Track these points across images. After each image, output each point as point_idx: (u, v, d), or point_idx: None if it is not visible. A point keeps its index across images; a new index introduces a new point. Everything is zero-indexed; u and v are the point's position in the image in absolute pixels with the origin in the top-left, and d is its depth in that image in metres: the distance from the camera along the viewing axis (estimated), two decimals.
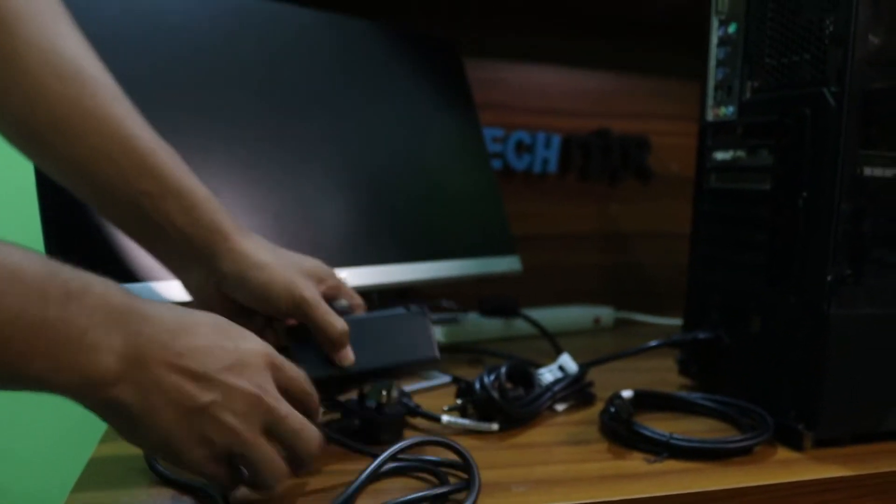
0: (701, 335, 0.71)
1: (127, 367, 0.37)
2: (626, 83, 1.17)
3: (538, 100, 1.12)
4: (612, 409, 0.60)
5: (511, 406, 0.62)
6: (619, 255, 1.21)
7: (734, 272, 0.69)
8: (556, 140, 1.12)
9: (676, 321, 0.77)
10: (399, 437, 0.59)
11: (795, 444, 0.60)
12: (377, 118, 0.82)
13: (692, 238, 0.75)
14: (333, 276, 0.63)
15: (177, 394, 0.39)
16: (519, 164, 1.11)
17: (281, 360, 0.45)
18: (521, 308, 0.98)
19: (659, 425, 0.60)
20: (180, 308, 0.42)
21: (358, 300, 0.65)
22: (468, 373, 0.77)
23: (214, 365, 0.40)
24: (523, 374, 0.66)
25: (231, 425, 0.40)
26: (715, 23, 0.72)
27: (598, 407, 0.66)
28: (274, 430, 0.43)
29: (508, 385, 0.65)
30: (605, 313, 1.08)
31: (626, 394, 0.64)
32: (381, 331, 0.65)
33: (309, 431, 0.45)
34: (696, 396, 0.69)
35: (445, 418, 0.62)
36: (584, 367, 0.71)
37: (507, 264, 0.88)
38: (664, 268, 1.19)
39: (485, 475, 0.51)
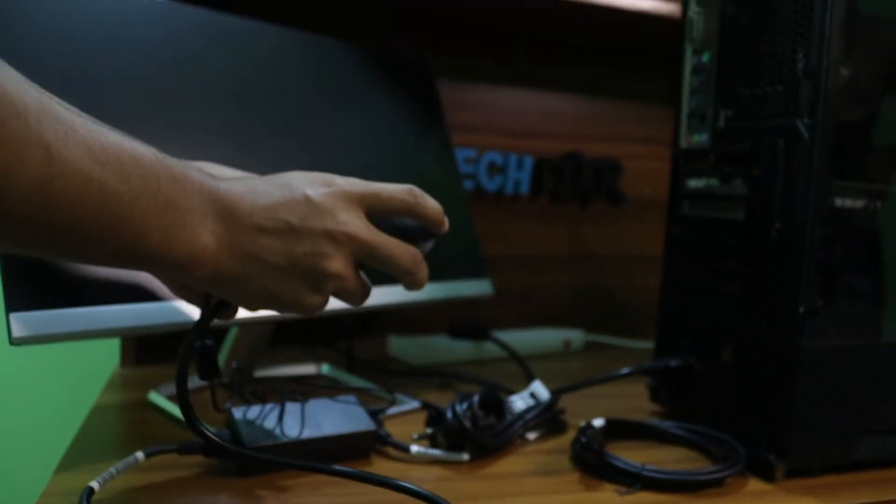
0: (672, 363, 0.71)
1: (223, 241, 0.41)
2: (599, 107, 1.18)
3: (511, 121, 1.12)
4: (584, 440, 0.59)
5: (483, 436, 0.61)
6: (591, 277, 1.20)
7: (706, 300, 0.69)
8: (528, 162, 1.12)
9: (647, 345, 0.77)
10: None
11: (767, 475, 0.60)
12: (348, 137, 0.80)
13: (665, 264, 0.75)
14: None
15: (270, 255, 0.42)
16: (491, 185, 1.11)
17: (368, 188, 0.46)
18: (491, 330, 0.97)
19: (631, 454, 0.60)
20: (244, 177, 0.46)
21: None
22: (438, 398, 0.76)
23: (295, 217, 0.43)
24: (495, 402, 0.65)
25: (328, 268, 0.44)
26: (689, 51, 0.72)
27: (570, 435, 0.65)
28: (371, 261, 0.46)
29: (480, 413, 0.64)
30: (575, 336, 1.07)
31: (598, 423, 0.63)
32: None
33: (404, 255, 0.47)
34: (667, 425, 0.68)
35: (415, 448, 0.60)
36: (555, 395, 0.70)
37: (477, 288, 0.87)
38: (635, 291, 1.20)
39: None
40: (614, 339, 1.12)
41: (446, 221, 0.50)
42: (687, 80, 0.72)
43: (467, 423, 0.60)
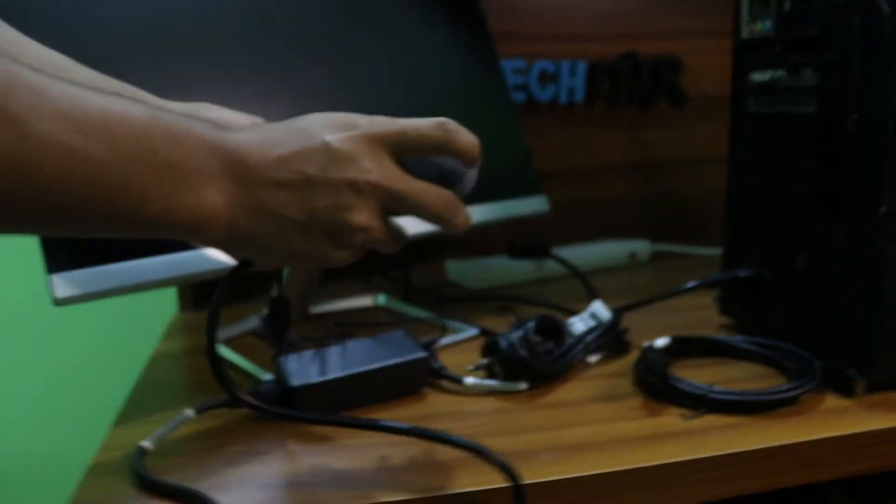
0: (741, 273, 0.66)
1: (234, 199, 0.38)
2: (654, 2, 1.09)
3: (561, 26, 1.05)
4: (646, 363, 0.56)
5: (540, 363, 0.59)
6: (655, 183, 1.14)
7: (777, 204, 0.63)
8: (582, 67, 1.05)
9: (717, 251, 0.72)
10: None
11: (846, 390, 0.56)
12: (387, 59, 0.76)
13: (729, 167, 0.70)
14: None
15: (288, 210, 0.39)
16: (543, 95, 1.05)
17: (396, 125, 0.42)
18: (552, 247, 0.94)
19: (698, 373, 0.57)
20: (255, 124, 0.44)
21: None
22: (497, 323, 0.74)
23: (312, 168, 0.39)
24: (553, 326, 0.63)
25: (352, 221, 0.40)
26: None
27: (634, 355, 0.62)
28: (399, 209, 0.43)
29: (537, 338, 0.61)
30: (641, 247, 1.03)
31: (661, 342, 0.60)
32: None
33: (435, 200, 0.43)
34: (737, 340, 0.64)
35: (469, 380, 0.59)
36: (617, 314, 0.67)
37: (533, 205, 0.83)
38: (703, 195, 1.13)
39: (511, 442, 0.49)
40: (683, 248, 1.07)
41: (480, 155, 0.46)
42: None
43: (523, 352, 0.58)
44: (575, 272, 0.88)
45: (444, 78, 0.81)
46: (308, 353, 0.56)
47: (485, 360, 0.61)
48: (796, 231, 0.61)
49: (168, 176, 0.36)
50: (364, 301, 0.84)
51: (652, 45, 1.09)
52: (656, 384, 0.56)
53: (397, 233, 0.45)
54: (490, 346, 0.61)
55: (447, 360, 0.63)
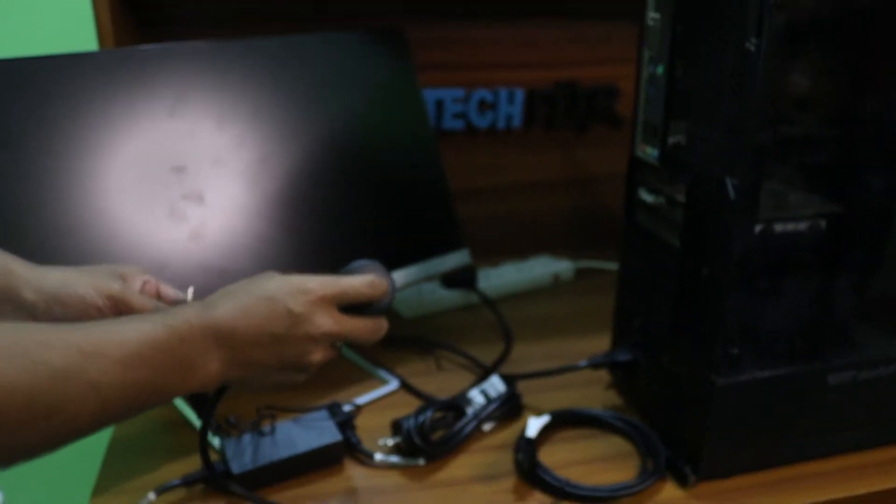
0: (620, 357, 0.77)
1: (225, 362, 0.52)
2: (591, 29, 1.13)
3: (498, 54, 1.10)
4: (519, 456, 0.68)
5: (433, 449, 0.70)
6: (587, 198, 1.23)
7: (651, 307, 0.73)
8: (519, 95, 1.11)
9: None
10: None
11: (682, 480, 0.68)
12: (310, 94, 0.83)
13: (621, 260, 0.79)
14: (139, 271, 0.64)
15: (264, 360, 0.54)
16: (482, 121, 1.11)
17: (333, 288, 0.57)
18: (487, 261, 1.06)
19: (570, 447, 0.71)
20: (231, 293, 0.54)
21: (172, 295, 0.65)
22: (418, 369, 0.86)
23: (281, 329, 0.54)
24: (452, 406, 0.74)
25: (311, 360, 0.56)
26: (646, 56, 0.71)
27: (526, 419, 0.75)
28: (345, 343, 0.60)
29: (439, 415, 0.73)
30: (565, 268, 1.13)
31: (535, 428, 0.72)
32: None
33: (369, 334, 0.59)
34: (610, 416, 0.76)
35: (378, 456, 0.71)
36: (511, 387, 0.78)
37: (456, 260, 0.92)
38: None
39: None
40: (606, 264, 1.17)
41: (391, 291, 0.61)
42: (643, 87, 0.71)
43: (417, 440, 0.69)
44: (494, 311, 0.98)
45: (374, 140, 0.88)
46: (245, 439, 0.67)
47: (391, 440, 0.72)
48: (662, 332, 0.72)
49: (184, 366, 0.50)
50: None
51: (589, 71, 1.14)
52: (526, 473, 0.68)
53: (339, 349, 0.60)
54: (396, 427, 0.72)
55: (368, 419, 0.76)
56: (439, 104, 1.09)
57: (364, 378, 0.86)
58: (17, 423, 0.41)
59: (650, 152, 0.71)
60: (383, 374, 0.86)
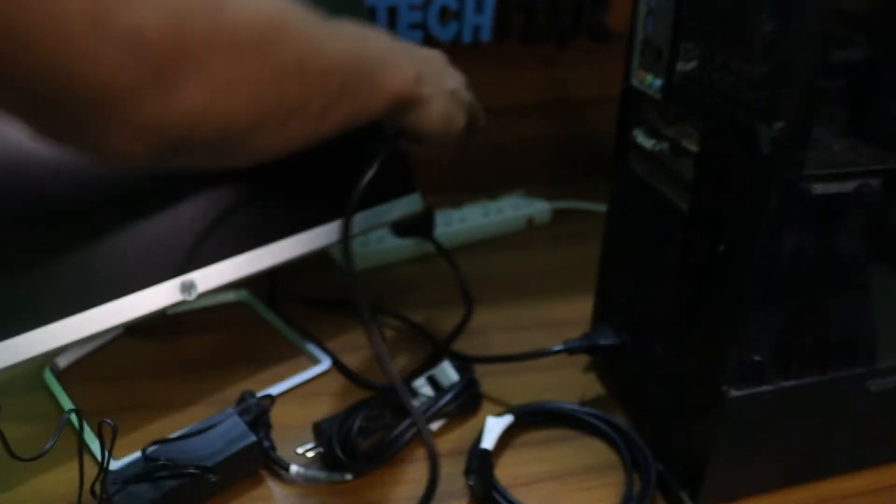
0: (602, 341, 0.62)
1: (417, 76, 0.52)
2: None
3: None
4: (470, 482, 0.54)
5: (362, 462, 0.55)
6: (571, 125, 1.05)
7: (644, 285, 0.57)
8: (489, 1, 0.91)
9: None
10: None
11: (674, 502, 0.54)
12: None
13: (608, 215, 0.63)
14: None
15: (442, 86, 0.55)
16: (444, 34, 0.92)
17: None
18: (446, 203, 0.90)
19: (536, 455, 0.58)
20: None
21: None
22: (356, 342, 0.70)
23: (440, 62, 0.59)
24: (390, 401, 0.59)
25: (468, 98, 0.60)
26: None
27: (485, 413, 0.60)
28: (470, 104, 0.61)
29: (374, 412, 0.58)
30: (540, 210, 0.96)
31: (497, 429, 0.57)
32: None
33: (481, 115, 0.64)
34: (586, 413, 0.61)
35: (294, 469, 0.56)
36: (468, 376, 0.63)
37: (406, 206, 0.75)
38: None
39: None
40: (587, 204, 1.00)
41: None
42: None
43: (339, 453, 0.54)
44: (453, 266, 0.82)
45: None
46: (134, 465, 0.52)
47: (310, 446, 0.57)
48: (659, 319, 0.56)
49: (386, 62, 0.50)
50: (227, 297, 0.78)
51: None
52: (481, 499, 0.54)
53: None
54: (318, 431, 0.57)
55: (289, 411, 0.61)
56: (392, 12, 0.89)
57: (288, 355, 0.70)
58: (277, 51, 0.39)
59: (651, 82, 0.54)
60: (312, 349, 0.70)
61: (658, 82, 0.53)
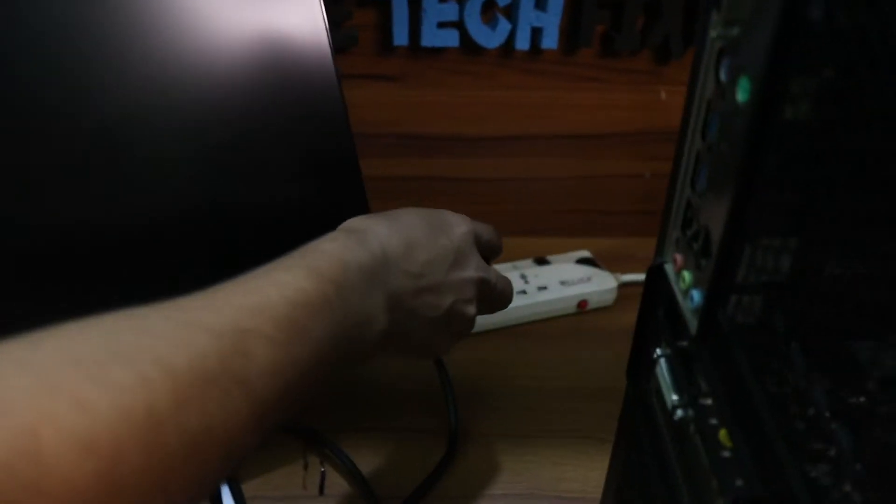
0: None
1: (390, 315, 0.39)
2: None
3: None
4: None
5: None
6: (664, 163, 0.77)
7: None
8: None
9: None
10: None
11: None
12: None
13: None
14: None
15: (425, 310, 0.42)
16: (489, 38, 0.66)
17: (475, 225, 0.45)
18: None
19: None
20: (391, 219, 0.42)
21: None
22: (282, 484, 0.50)
23: (442, 270, 0.42)
24: None
25: (468, 314, 0.44)
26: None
27: None
28: (486, 297, 0.46)
29: None
30: (598, 290, 0.70)
31: None
32: None
33: (508, 289, 0.48)
34: None
35: None
36: None
37: None
38: None
39: None
40: None
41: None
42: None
43: None
44: (443, 379, 0.59)
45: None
46: None
47: None
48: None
49: (346, 328, 0.35)
50: None
51: None
52: None
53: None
54: None
55: None
56: (414, 4, 0.64)
57: None
58: (140, 461, 0.24)
59: (688, 285, 0.28)
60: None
61: (698, 296, 0.27)
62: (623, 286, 0.71)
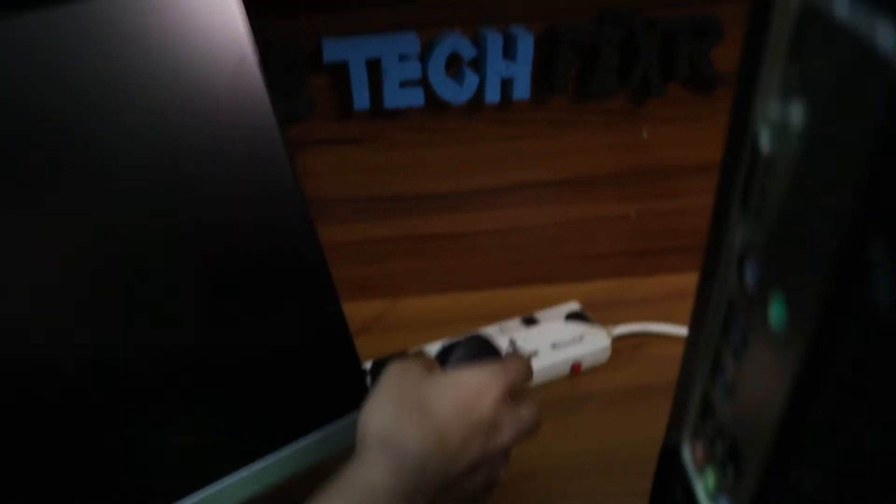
0: None
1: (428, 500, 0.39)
2: None
3: None
4: None
5: None
6: (649, 202, 0.73)
7: None
8: (526, 40, 0.59)
9: None
10: None
11: None
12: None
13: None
14: None
15: (462, 483, 0.41)
16: (455, 92, 0.61)
17: (505, 373, 0.43)
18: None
19: None
20: (421, 412, 0.40)
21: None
22: None
23: (476, 451, 0.41)
24: None
25: (498, 480, 0.44)
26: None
27: None
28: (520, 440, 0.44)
29: None
30: (591, 351, 0.66)
31: None
32: None
33: (535, 423, 0.45)
34: None
35: None
36: None
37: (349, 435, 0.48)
38: None
39: None
40: (671, 327, 0.69)
41: None
42: None
43: None
44: None
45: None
46: None
47: None
48: None
49: None
50: None
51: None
52: None
53: None
54: None
55: None
56: (373, 66, 0.59)
57: None
58: None
59: (711, 492, 0.23)
60: None
61: None
62: (617, 339, 0.67)
